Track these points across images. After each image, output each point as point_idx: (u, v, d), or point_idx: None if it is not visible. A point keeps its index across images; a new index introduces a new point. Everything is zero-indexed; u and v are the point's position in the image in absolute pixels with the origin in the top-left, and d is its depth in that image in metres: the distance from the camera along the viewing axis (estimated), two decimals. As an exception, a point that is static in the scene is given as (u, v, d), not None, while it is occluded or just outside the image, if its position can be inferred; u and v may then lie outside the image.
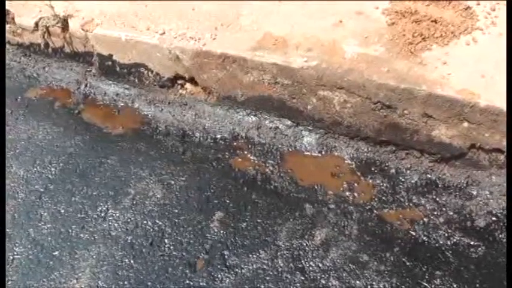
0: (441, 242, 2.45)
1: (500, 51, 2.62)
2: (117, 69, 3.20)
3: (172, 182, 2.77)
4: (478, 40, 2.70)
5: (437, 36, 2.71)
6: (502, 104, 2.42)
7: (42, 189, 2.79)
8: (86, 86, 3.32)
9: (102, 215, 2.66)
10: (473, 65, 2.58)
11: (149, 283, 2.39)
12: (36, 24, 3.26)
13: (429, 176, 2.70)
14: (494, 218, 2.52)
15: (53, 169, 2.89)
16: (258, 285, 2.35)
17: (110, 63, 3.20)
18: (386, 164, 2.76)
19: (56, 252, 2.53)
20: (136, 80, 3.20)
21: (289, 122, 2.92)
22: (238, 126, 2.99)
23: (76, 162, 2.91)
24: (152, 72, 3.10)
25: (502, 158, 2.57)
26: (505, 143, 2.50)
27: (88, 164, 2.90)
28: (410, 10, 2.82)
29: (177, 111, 3.11)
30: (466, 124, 2.53)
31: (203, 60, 2.88)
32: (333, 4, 2.98)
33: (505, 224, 2.49)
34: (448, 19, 2.78)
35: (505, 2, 2.85)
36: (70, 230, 2.61)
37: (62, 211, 2.69)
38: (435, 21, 2.76)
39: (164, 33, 2.97)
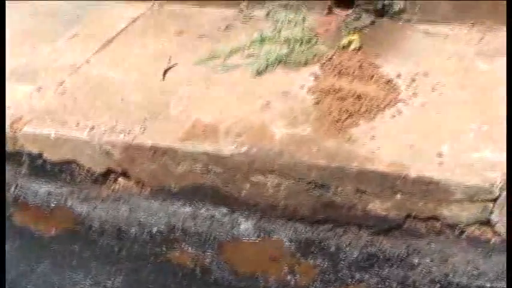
0: (388, 317, 2.42)
1: (425, 121, 2.69)
2: (48, 167, 3.11)
3: (109, 283, 2.67)
4: (403, 111, 2.76)
5: (363, 111, 2.76)
6: (431, 173, 2.46)
7: (-29, 305, 2.64)
8: (16, 187, 3.22)
9: (36, 326, 2.53)
10: (401, 137, 2.63)
11: None
12: (-39, 127, 3.18)
13: (369, 249, 2.67)
14: (438, 286, 2.51)
15: (-19, 282, 2.75)
16: None
17: (40, 161, 3.11)
18: (326, 243, 2.72)
19: None
20: (68, 178, 3.10)
21: (224, 210, 2.86)
22: (174, 218, 2.91)
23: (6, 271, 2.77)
24: (84, 168, 3.03)
25: (438, 224, 2.59)
26: (439, 211, 2.53)
27: (18, 273, 2.76)
28: (335, 87, 2.88)
29: (110, 208, 3.02)
30: (399, 196, 2.54)
31: (134, 154, 2.84)
32: (259, 85, 3.02)
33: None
34: (372, 93, 2.85)
35: (423, 72, 2.95)
36: None
37: (-7, 326, 2.55)
38: (359, 97, 2.82)
39: (93, 128, 2.93)
